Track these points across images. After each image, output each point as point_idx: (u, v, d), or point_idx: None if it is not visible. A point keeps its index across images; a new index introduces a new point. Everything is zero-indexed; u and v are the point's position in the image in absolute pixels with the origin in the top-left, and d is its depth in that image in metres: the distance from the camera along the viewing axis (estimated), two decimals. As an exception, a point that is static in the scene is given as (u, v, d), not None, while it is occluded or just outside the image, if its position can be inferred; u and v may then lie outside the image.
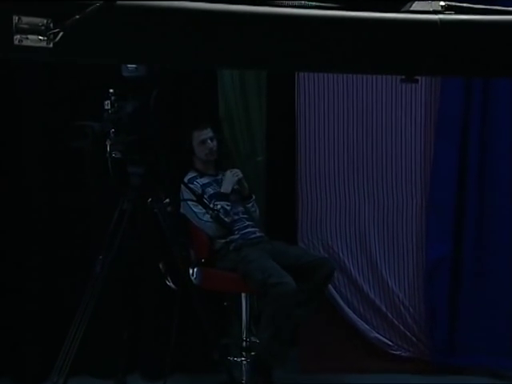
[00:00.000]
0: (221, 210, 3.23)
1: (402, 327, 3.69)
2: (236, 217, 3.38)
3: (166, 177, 2.90)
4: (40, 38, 1.16)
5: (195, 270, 3.10)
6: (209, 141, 3.41)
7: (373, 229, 3.72)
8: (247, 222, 3.43)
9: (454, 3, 1.38)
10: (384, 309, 3.70)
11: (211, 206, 3.25)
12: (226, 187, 3.38)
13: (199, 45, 1.26)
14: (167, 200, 2.80)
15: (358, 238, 3.71)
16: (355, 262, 3.71)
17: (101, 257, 2.70)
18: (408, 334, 3.69)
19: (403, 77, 1.40)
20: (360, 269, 3.72)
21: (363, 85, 3.64)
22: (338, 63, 1.34)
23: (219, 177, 3.47)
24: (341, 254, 3.71)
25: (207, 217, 3.26)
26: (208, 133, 3.42)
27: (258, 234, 3.44)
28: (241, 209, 3.45)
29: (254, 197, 3.53)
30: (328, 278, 3.27)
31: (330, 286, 3.59)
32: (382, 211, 3.71)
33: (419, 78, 1.42)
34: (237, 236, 3.34)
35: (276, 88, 3.72)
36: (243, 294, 3.27)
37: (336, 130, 3.67)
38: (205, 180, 3.42)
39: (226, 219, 3.28)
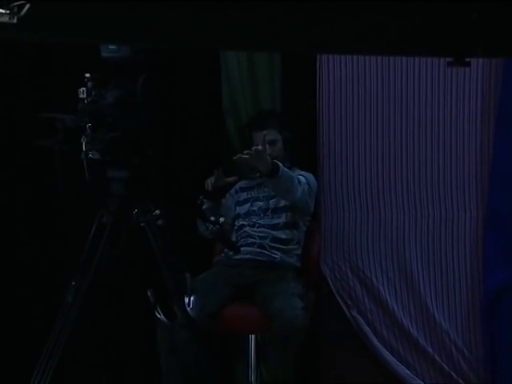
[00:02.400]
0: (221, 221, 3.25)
1: (453, 374, 3.69)
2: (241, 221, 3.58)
3: (157, 183, 2.91)
4: (1, 11, 1.17)
5: (192, 298, 3.10)
6: (267, 145, 3.38)
7: (414, 248, 3.74)
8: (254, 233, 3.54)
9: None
10: (430, 350, 3.70)
11: (212, 218, 3.26)
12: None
13: (198, 20, 1.26)
14: (157, 211, 2.80)
15: (396, 260, 3.74)
16: (392, 289, 3.73)
17: (73, 283, 2.70)
18: (462, 383, 3.68)
19: (451, 59, 1.40)
20: (398, 298, 3.73)
21: (402, 70, 3.66)
22: (371, 42, 1.35)
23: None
24: (374, 280, 3.73)
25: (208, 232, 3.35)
26: (268, 135, 3.43)
27: (260, 257, 3.52)
28: (260, 203, 3.59)
29: (279, 169, 3.31)
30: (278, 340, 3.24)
31: (361, 319, 3.60)
32: (426, 226, 3.73)
33: (471, 60, 1.42)
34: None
35: (293, 74, 3.75)
36: (252, 336, 3.40)
37: (367, 127, 3.71)
38: (251, 194, 3.63)
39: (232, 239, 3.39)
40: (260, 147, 3.28)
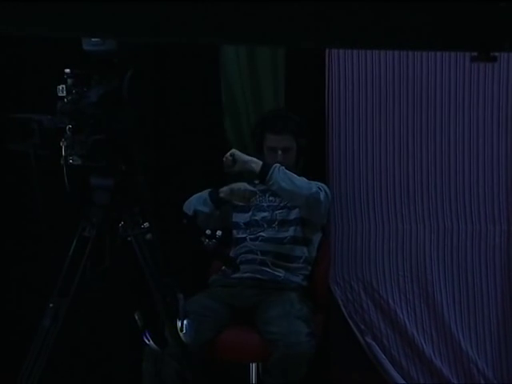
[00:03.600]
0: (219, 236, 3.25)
1: (482, 411, 3.71)
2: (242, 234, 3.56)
3: (146, 192, 2.91)
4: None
5: (185, 322, 3.10)
6: (279, 152, 3.50)
7: (436, 266, 3.75)
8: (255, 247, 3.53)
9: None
10: (456, 382, 3.70)
11: (208, 232, 3.25)
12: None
13: (192, 11, 1.26)
14: (146, 224, 2.80)
15: (416, 279, 3.75)
16: (411, 312, 3.74)
17: (51, 304, 2.69)
18: (491, 420, 3.71)
19: (475, 53, 1.40)
20: (419, 323, 3.74)
21: (422, 67, 3.67)
22: (387, 35, 1.35)
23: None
24: (390, 302, 3.74)
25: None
26: (283, 141, 3.53)
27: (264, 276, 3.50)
28: (264, 214, 3.58)
29: (275, 165, 3.39)
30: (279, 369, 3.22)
31: (376, 346, 3.58)
32: (450, 241, 3.74)
33: (499, 55, 1.42)
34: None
35: (298, 71, 3.77)
36: (252, 364, 3.39)
37: (383, 130, 3.73)
38: (253, 200, 3.58)
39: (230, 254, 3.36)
40: (229, 155, 3.38)
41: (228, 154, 3.41)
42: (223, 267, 3.53)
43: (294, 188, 3.38)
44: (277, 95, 3.87)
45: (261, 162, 3.39)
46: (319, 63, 3.75)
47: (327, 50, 3.68)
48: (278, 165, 3.39)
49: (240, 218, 3.61)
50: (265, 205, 3.60)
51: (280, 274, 3.51)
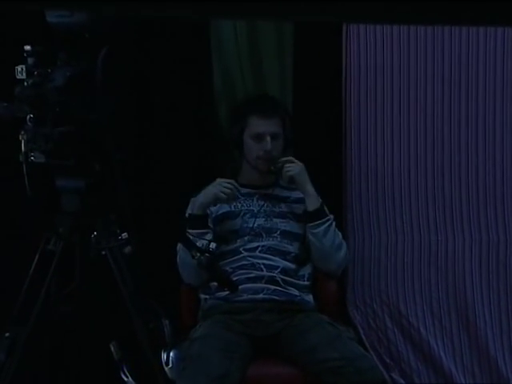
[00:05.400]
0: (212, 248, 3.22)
1: None
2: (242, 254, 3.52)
3: (124, 196, 2.89)
4: None
5: (171, 353, 3.07)
6: (268, 138, 3.51)
7: (478, 286, 3.75)
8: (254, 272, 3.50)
9: None
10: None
11: (200, 244, 3.23)
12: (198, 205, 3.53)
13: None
14: (124, 235, 2.79)
15: (453, 303, 3.75)
16: (448, 343, 3.74)
17: (7, 334, 2.68)
18: None
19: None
20: (457, 355, 3.73)
21: (455, 42, 3.66)
22: (420, 7, 1.32)
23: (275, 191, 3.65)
24: (422, 330, 3.73)
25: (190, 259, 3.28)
26: (271, 125, 3.54)
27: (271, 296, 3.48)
28: (266, 243, 3.56)
29: (331, 217, 3.55)
30: None
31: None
32: (495, 256, 3.74)
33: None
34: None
35: (309, 51, 3.76)
36: None
37: (412, 123, 3.73)
38: (246, 204, 3.62)
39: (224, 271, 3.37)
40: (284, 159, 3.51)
41: (284, 158, 3.52)
42: (211, 284, 3.48)
43: (330, 250, 3.51)
44: (283, 80, 3.87)
45: (320, 200, 3.52)
46: (335, 42, 3.73)
47: (345, 26, 3.66)
48: (333, 217, 3.52)
49: (227, 225, 3.59)
50: (255, 209, 3.59)
51: (295, 293, 3.50)
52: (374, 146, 3.75)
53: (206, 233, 3.47)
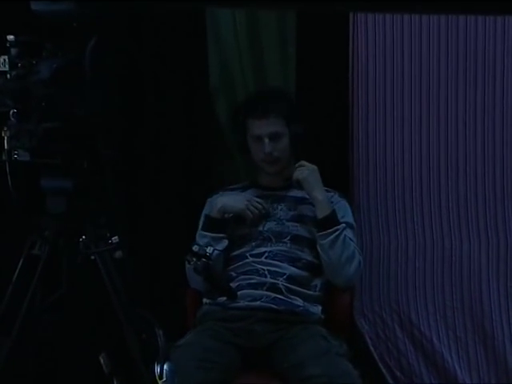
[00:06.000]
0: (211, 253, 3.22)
1: None
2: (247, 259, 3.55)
3: (114, 197, 2.88)
4: None
5: (165, 366, 3.08)
6: (266, 140, 3.52)
7: (496, 295, 3.77)
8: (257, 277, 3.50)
9: None
10: None
11: (195, 248, 3.23)
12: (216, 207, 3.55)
13: None
14: (115, 239, 2.77)
15: (469, 312, 3.76)
16: (463, 355, 3.75)
17: (-10, 344, 2.71)
18: None
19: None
20: (473, 369, 3.75)
21: (471, 27, 3.66)
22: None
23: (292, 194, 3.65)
24: (435, 341, 3.74)
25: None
26: (268, 126, 3.54)
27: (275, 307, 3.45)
28: (271, 248, 3.56)
29: (340, 227, 3.51)
30: None
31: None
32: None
33: None
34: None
35: (313, 41, 3.78)
36: None
37: (424, 116, 3.73)
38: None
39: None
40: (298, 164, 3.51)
41: (298, 163, 3.53)
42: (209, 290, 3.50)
43: (337, 264, 3.47)
44: (286, 73, 3.90)
45: (332, 207, 3.50)
46: (341, 31, 3.75)
47: (351, 15, 3.68)
48: (345, 225, 3.49)
49: (236, 228, 3.59)
50: (278, 213, 3.61)
51: (298, 303, 3.48)
52: (383, 142, 3.76)
53: (222, 238, 3.51)
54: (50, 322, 2.82)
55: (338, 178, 3.69)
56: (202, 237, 3.51)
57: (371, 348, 3.77)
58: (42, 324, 2.78)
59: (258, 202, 3.54)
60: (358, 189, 3.76)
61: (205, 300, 3.53)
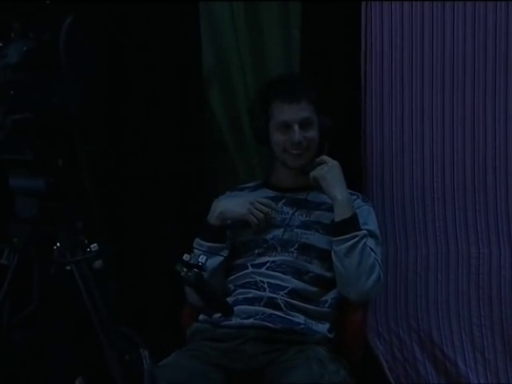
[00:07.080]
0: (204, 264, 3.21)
1: None
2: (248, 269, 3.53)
3: (93, 198, 2.87)
4: None
5: (153, 391, 3.10)
6: (296, 126, 3.49)
7: None
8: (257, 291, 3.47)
9: None
10: None
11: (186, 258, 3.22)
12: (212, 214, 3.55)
13: None
14: (94, 247, 2.75)
15: (498, 330, 3.77)
16: (493, 379, 3.76)
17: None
18: None
19: None
20: None
21: (502, 11, 3.63)
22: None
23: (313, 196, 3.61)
24: (460, 363, 3.76)
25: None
26: (300, 111, 3.52)
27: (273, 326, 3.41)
28: (278, 257, 3.53)
29: (360, 233, 3.46)
30: None
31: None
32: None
33: None
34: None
35: (320, 23, 3.78)
36: None
37: (447, 110, 3.74)
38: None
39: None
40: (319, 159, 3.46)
41: (319, 158, 3.48)
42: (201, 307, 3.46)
43: (353, 275, 3.40)
44: (288, 59, 3.92)
45: (353, 210, 3.44)
46: (351, 12, 3.75)
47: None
48: (366, 233, 3.42)
49: (239, 234, 3.58)
50: (276, 217, 3.58)
51: (299, 321, 3.44)
52: (400, 137, 3.77)
53: (222, 248, 3.48)
54: (20, 340, 2.83)
55: (349, 179, 3.66)
56: (197, 245, 3.48)
57: (387, 372, 3.79)
58: (10, 342, 2.77)
59: (263, 203, 3.49)
60: (372, 190, 3.77)
61: (201, 317, 3.50)
